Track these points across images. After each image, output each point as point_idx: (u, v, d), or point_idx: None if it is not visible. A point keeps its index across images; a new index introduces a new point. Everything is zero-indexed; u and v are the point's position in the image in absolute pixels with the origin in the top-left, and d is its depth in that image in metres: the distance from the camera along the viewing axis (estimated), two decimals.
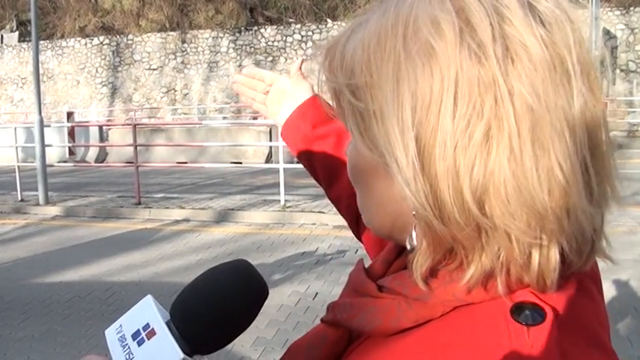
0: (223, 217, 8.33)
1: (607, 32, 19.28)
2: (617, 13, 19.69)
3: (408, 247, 0.53)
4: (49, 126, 12.97)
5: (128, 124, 16.35)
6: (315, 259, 6.09)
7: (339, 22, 21.80)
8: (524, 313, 0.47)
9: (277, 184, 8.79)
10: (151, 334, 0.60)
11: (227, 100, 23.23)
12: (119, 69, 24.71)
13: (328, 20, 22.76)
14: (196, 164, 12.78)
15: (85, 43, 25.07)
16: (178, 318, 0.61)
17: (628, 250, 5.65)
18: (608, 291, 4.65)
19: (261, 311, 0.64)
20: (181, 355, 0.59)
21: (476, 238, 0.47)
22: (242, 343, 3.87)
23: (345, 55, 0.52)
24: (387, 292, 0.55)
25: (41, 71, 13.70)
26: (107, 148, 15.65)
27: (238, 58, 23.24)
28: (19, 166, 10.00)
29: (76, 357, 3.65)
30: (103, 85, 24.87)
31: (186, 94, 23.96)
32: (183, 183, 11.71)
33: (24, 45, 25.40)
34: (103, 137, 16.45)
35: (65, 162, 13.62)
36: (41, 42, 22.45)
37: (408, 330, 0.52)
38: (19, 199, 9.78)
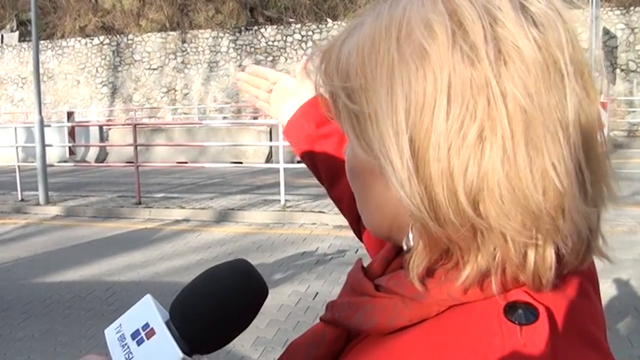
0: (223, 216, 8.33)
1: (607, 32, 19.27)
2: (618, 12, 19.68)
3: (405, 247, 0.53)
4: (49, 126, 12.98)
5: (128, 124, 16.36)
6: (316, 258, 6.09)
7: (340, 22, 21.79)
8: (518, 312, 0.47)
9: (277, 184, 8.80)
10: (151, 333, 0.60)
11: (227, 99, 23.23)
12: (119, 69, 24.71)
13: (328, 20, 22.76)
14: (196, 164, 12.78)
15: (86, 43, 25.07)
16: (178, 318, 0.61)
17: (628, 249, 5.65)
18: (608, 291, 4.65)
19: (261, 311, 0.65)
20: (181, 354, 0.59)
21: (471, 238, 0.48)
22: (242, 343, 3.87)
23: (341, 59, 0.53)
24: (384, 292, 0.55)
25: (41, 71, 13.70)
26: (107, 147, 15.66)
27: (238, 58, 23.23)
28: (19, 166, 10.00)
29: (77, 356, 3.64)
30: (104, 85, 24.88)
31: (186, 94, 23.96)
32: (184, 183, 11.71)
33: (24, 45, 25.40)
34: (103, 137, 16.46)
35: (65, 162, 13.61)
36: (41, 42, 22.46)
37: (404, 329, 0.52)
38: (20, 198, 9.78)
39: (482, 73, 0.45)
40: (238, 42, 23.29)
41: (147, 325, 0.61)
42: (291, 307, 4.68)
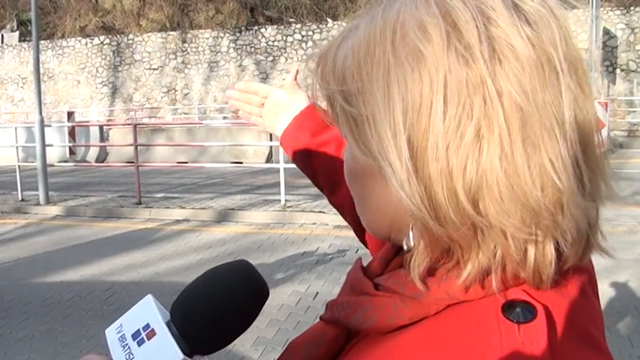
0: (224, 216, 8.33)
1: (607, 32, 19.27)
2: (618, 12, 19.67)
3: (405, 247, 0.53)
4: (49, 126, 12.99)
5: (129, 124, 16.36)
6: (316, 258, 6.09)
7: (340, 22, 21.79)
8: (515, 310, 0.48)
9: (278, 184, 8.79)
10: (151, 334, 0.60)
11: (227, 100, 23.20)
12: (119, 69, 24.72)
13: (329, 20, 22.76)
14: (197, 164, 12.78)
15: (86, 43, 25.07)
16: (178, 318, 0.61)
17: (628, 249, 5.66)
18: (608, 291, 4.65)
19: (261, 311, 0.65)
20: (181, 355, 0.59)
21: (472, 236, 0.48)
22: (242, 343, 3.87)
23: (337, 62, 0.53)
24: (384, 291, 0.56)
25: (42, 71, 13.69)
26: (108, 147, 15.66)
27: (239, 57, 23.24)
28: (19, 166, 10.00)
29: (77, 356, 3.64)
30: (104, 85, 24.88)
31: (186, 94, 23.96)
32: (184, 183, 11.71)
33: (24, 45, 25.40)
34: (103, 137, 16.46)
35: (66, 162, 13.61)
36: (42, 42, 22.45)
37: (404, 328, 0.52)
38: (20, 198, 9.78)
39: (477, 72, 0.46)
40: (238, 42, 23.29)
41: (148, 325, 0.61)
42: (291, 306, 4.68)
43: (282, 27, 23.03)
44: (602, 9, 17.91)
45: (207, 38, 23.66)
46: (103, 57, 24.84)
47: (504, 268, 0.49)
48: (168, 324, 0.61)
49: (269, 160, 13.36)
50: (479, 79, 0.46)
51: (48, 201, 9.49)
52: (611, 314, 4.18)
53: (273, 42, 22.92)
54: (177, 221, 8.27)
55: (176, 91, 24.08)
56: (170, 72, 24.11)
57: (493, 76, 0.46)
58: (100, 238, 7.42)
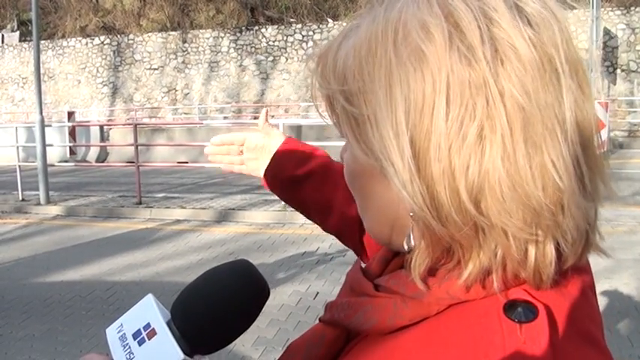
0: (224, 216, 8.34)
1: (608, 32, 19.25)
2: (618, 12, 19.66)
3: (406, 247, 0.53)
4: (50, 126, 12.98)
5: (129, 124, 16.36)
6: (316, 258, 6.09)
7: (340, 22, 21.78)
8: (517, 310, 0.48)
9: None
10: (152, 333, 0.60)
11: (228, 99, 23.22)
12: (120, 69, 24.72)
13: (329, 20, 22.75)
14: (197, 164, 12.75)
15: (86, 43, 25.07)
16: (179, 318, 0.61)
17: (628, 249, 5.65)
18: (608, 291, 4.65)
19: (262, 311, 0.65)
20: (181, 355, 0.59)
21: (473, 236, 0.48)
22: (243, 343, 3.87)
23: (338, 62, 0.53)
24: (384, 291, 0.56)
25: (42, 71, 13.69)
26: (108, 147, 15.66)
27: (239, 57, 23.24)
28: (20, 166, 10.00)
29: (77, 356, 3.64)
30: (104, 85, 24.88)
31: (187, 94, 23.96)
32: (184, 183, 11.72)
33: (25, 45, 25.40)
34: (103, 137, 16.46)
35: (66, 162, 13.62)
36: (42, 42, 22.46)
37: (405, 328, 0.52)
38: (20, 198, 9.79)
39: (479, 73, 0.46)
40: (239, 42, 23.28)
41: (148, 325, 0.61)
42: (291, 306, 4.68)
43: (283, 27, 23.02)
44: (602, 9, 17.90)
45: (208, 38, 23.66)
46: (104, 57, 24.84)
47: (505, 268, 0.49)
48: (168, 323, 0.61)
49: None
50: (481, 80, 0.46)
51: (48, 201, 9.49)
52: (611, 314, 4.18)
53: (273, 42, 22.91)
54: (178, 221, 8.28)
55: (176, 91, 24.08)
56: (170, 72, 24.10)
57: (495, 77, 0.46)
58: (101, 238, 7.42)
